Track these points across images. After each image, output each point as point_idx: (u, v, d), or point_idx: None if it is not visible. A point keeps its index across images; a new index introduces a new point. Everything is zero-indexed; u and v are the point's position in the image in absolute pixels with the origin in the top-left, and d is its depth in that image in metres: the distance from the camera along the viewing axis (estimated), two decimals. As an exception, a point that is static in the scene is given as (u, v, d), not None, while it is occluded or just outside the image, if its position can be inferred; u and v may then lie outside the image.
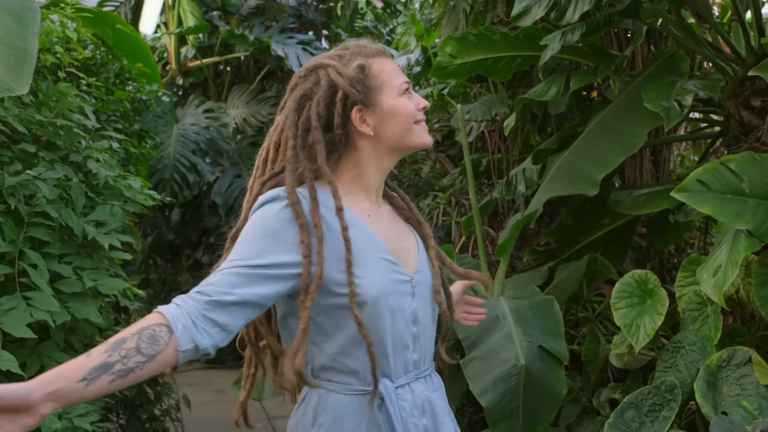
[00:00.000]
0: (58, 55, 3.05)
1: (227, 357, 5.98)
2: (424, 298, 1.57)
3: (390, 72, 1.55)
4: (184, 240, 7.04)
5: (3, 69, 2.17)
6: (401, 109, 1.53)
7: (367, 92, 1.53)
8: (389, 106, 1.53)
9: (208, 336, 1.30)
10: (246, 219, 1.49)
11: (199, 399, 5.06)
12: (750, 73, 2.16)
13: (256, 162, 1.60)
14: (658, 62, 2.82)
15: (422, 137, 1.57)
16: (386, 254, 1.52)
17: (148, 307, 6.88)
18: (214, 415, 4.96)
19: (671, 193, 2.15)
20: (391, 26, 7.75)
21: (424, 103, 1.57)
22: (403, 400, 1.52)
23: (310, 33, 7.18)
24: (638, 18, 2.82)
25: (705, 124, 3.67)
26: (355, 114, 1.52)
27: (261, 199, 1.46)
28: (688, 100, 2.43)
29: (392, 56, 1.57)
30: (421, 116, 1.57)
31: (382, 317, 1.47)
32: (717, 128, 3.18)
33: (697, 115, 3.74)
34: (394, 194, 1.68)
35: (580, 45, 2.87)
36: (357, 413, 1.48)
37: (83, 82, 3.20)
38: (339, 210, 1.47)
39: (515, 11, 2.74)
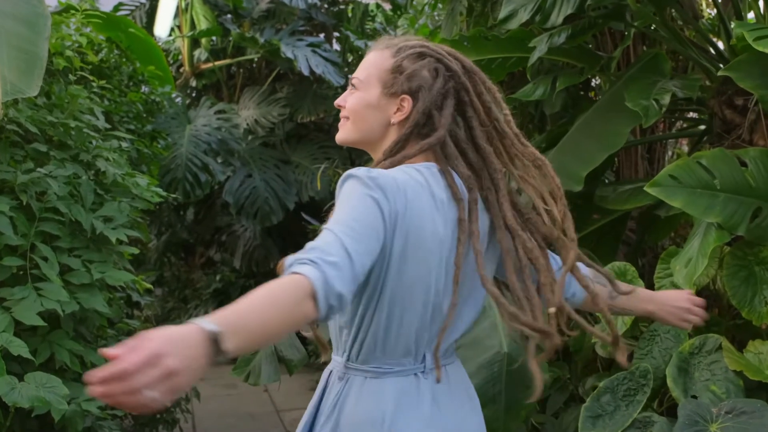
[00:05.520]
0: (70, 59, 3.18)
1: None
2: None
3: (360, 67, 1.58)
4: (197, 238, 7.15)
5: (15, 73, 2.29)
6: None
7: None
8: None
9: None
10: None
11: (210, 393, 5.18)
12: (719, 73, 2.25)
13: None
14: (642, 63, 2.91)
15: (338, 133, 1.58)
16: None
17: (162, 304, 7.03)
18: (225, 408, 5.06)
19: (644, 188, 2.25)
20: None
21: (337, 100, 1.57)
22: None
23: (322, 35, 7.28)
24: (623, 21, 2.92)
25: (699, 123, 3.75)
26: None
27: None
28: (666, 99, 2.52)
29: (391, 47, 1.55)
30: (342, 112, 1.56)
31: None
32: (704, 126, 3.26)
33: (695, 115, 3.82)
34: None
35: (568, 46, 2.96)
36: None
37: (94, 84, 3.33)
38: None
39: (502, 15, 2.84)
